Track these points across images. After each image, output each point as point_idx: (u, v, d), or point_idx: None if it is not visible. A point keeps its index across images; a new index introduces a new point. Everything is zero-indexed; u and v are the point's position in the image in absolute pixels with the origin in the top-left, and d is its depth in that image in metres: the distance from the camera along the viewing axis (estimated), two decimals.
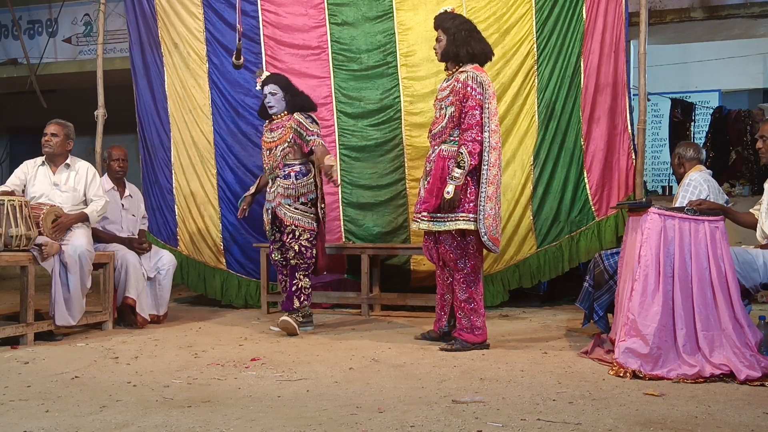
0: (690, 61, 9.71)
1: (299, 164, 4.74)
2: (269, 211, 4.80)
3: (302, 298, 4.69)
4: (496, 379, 3.34)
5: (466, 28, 4.13)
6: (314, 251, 4.73)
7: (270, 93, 4.79)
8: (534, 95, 5.55)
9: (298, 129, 4.69)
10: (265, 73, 4.96)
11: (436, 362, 3.73)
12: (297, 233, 4.65)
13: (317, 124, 4.79)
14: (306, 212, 4.70)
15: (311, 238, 4.70)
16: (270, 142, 4.81)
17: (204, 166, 6.11)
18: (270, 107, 4.81)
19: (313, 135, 4.67)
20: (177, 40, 6.13)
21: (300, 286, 4.68)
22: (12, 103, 10.89)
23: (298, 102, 4.80)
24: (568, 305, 5.76)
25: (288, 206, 4.68)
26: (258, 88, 4.93)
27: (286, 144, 4.71)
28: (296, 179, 4.70)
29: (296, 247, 4.63)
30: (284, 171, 4.72)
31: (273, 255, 4.89)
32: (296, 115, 4.72)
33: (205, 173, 6.11)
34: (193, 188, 6.14)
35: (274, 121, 4.83)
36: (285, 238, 4.71)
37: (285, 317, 4.59)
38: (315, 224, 4.73)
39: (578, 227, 5.50)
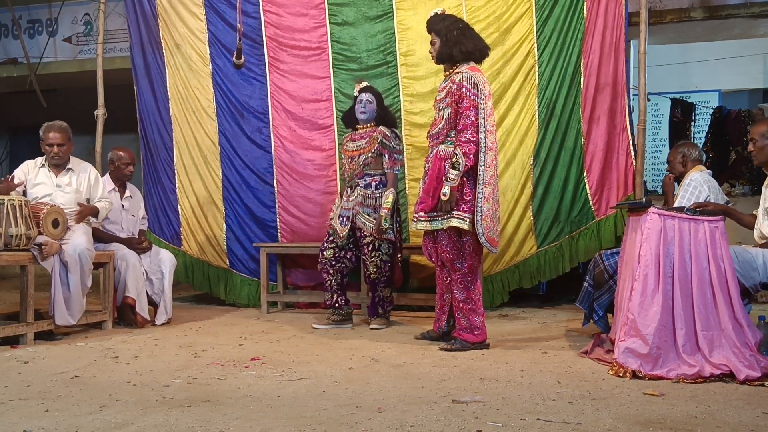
0: (690, 61, 9.70)
1: (380, 174, 4.86)
2: (346, 219, 4.85)
3: (386, 306, 4.99)
4: (495, 378, 3.34)
5: (457, 27, 4.14)
6: (391, 264, 4.87)
7: (367, 101, 4.91)
8: (534, 95, 5.55)
9: (384, 141, 4.81)
10: (364, 83, 5.07)
11: (436, 362, 3.73)
12: (376, 244, 4.78)
13: (400, 140, 4.99)
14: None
15: (389, 251, 4.85)
16: (353, 150, 4.93)
17: (208, 166, 6.12)
18: (362, 113, 4.91)
19: (392, 158, 4.82)
20: (179, 40, 6.13)
21: (383, 296, 4.95)
22: (12, 103, 10.89)
23: (387, 117, 4.95)
24: (568, 305, 5.76)
25: (367, 216, 4.79)
26: (356, 94, 5.00)
27: (370, 154, 4.83)
28: (376, 189, 4.82)
29: (377, 262, 4.80)
30: (365, 180, 4.84)
31: (325, 252, 4.93)
32: (382, 128, 4.86)
33: (209, 174, 6.12)
34: (197, 188, 6.15)
35: (358, 131, 4.96)
36: (364, 251, 4.82)
37: (374, 324, 4.89)
38: (393, 234, 4.85)
39: (578, 227, 5.50)
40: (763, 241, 3.78)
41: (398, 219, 4.98)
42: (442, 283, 4.30)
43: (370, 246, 4.79)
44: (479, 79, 4.01)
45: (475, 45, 4.14)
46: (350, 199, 4.88)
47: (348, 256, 4.94)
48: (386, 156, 4.82)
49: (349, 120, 5.08)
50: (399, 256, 5.01)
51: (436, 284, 4.36)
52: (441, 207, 3.99)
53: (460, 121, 4.00)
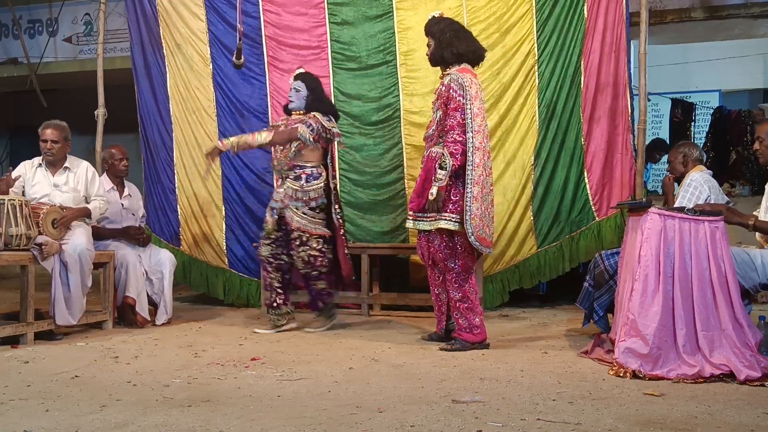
0: (690, 61, 9.71)
1: (311, 166, 4.68)
2: (275, 211, 4.69)
3: (325, 299, 4.82)
4: (496, 379, 3.34)
5: (451, 30, 4.16)
6: (327, 259, 4.67)
7: (294, 89, 4.79)
8: (534, 95, 5.55)
9: (308, 119, 4.63)
10: (300, 70, 4.97)
11: (436, 362, 3.73)
12: (304, 239, 4.60)
13: (335, 126, 4.78)
14: (314, 218, 4.64)
15: (320, 246, 4.63)
16: None
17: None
18: (290, 101, 4.80)
19: (306, 123, 4.60)
20: (180, 41, 6.12)
21: (317, 289, 4.76)
22: (12, 103, 10.89)
23: (320, 106, 4.75)
24: (568, 305, 5.75)
25: (296, 210, 4.60)
26: (290, 82, 4.92)
27: (300, 140, 4.61)
28: (306, 182, 4.63)
29: (304, 257, 4.61)
30: (295, 172, 4.66)
31: (261, 250, 4.76)
32: (317, 114, 4.67)
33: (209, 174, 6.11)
34: (196, 188, 6.14)
35: (292, 117, 4.80)
36: (292, 245, 4.65)
37: (312, 326, 4.79)
38: (326, 229, 4.68)
39: (578, 227, 5.49)
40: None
41: (339, 210, 4.77)
42: (434, 282, 4.29)
43: (297, 241, 4.60)
44: (466, 79, 4.02)
45: (467, 47, 4.14)
46: (279, 191, 4.71)
47: (287, 253, 4.70)
48: (321, 142, 4.64)
49: (286, 108, 4.94)
50: (345, 249, 4.77)
51: (429, 284, 4.34)
52: (429, 207, 4.01)
53: (447, 121, 4.02)
